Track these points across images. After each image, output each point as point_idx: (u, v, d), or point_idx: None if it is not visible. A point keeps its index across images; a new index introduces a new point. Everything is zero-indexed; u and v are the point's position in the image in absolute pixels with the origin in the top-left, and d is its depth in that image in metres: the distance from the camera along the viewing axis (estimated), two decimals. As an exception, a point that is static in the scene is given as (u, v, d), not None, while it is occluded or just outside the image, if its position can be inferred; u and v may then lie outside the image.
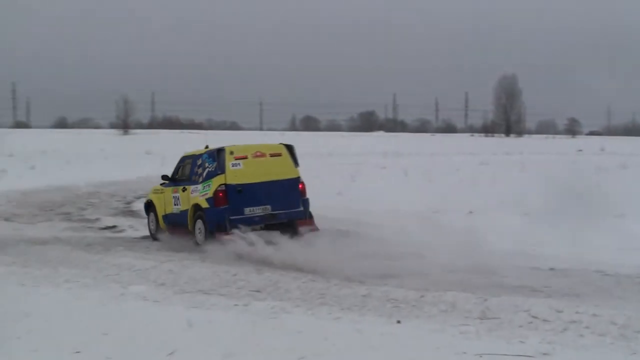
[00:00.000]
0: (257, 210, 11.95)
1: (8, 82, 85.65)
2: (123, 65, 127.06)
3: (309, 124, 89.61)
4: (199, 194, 12.33)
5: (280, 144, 12.80)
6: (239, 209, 11.81)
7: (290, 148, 12.60)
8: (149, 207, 14.34)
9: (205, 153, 12.64)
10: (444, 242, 10.87)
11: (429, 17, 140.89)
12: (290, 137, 59.53)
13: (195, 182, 12.58)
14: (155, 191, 14.19)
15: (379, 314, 7.44)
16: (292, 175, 12.32)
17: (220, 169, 11.97)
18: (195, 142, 39.11)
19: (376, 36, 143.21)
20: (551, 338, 6.37)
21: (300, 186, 12.37)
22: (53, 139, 49.77)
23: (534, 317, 7.04)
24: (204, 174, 12.36)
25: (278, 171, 12.19)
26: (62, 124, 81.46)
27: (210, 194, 11.99)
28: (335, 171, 22.76)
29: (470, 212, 14.77)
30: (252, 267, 10.15)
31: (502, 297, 7.76)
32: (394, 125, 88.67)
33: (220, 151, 12.17)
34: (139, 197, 20.44)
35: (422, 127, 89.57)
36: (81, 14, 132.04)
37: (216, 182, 11.97)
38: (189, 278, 9.51)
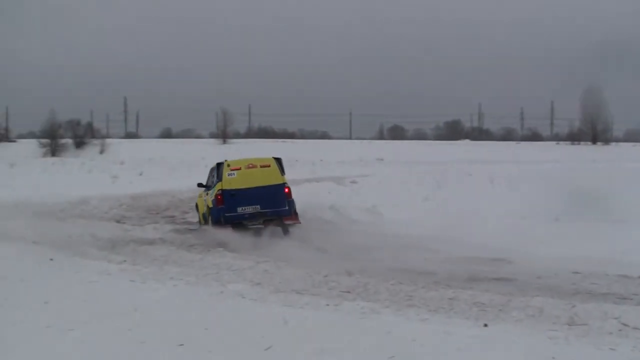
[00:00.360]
0: (248, 209, 14.44)
1: (121, 96, 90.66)
2: (223, 79, 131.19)
3: (396, 133, 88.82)
4: (210, 197, 15.19)
5: (272, 157, 15.15)
6: (233, 208, 14.41)
7: (278, 160, 15.03)
8: (196, 208, 17.34)
9: (216, 165, 15.27)
10: (531, 248, 10.87)
11: (513, 28, 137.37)
12: (378, 146, 59.65)
13: (211, 188, 15.38)
14: (199, 196, 16.97)
15: (466, 316, 7.46)
16: (278, 182, 14.70)
17: (219, 178, 14.72)
18: (286, 150, 39.74)
19: (462, 47, 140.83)
20: (643, 346, 6.18)
21: (285, 190, 14.68)
22: (159, 148, 51.53)
23: (624, 324, 6.94)
24: (214, 181, 15.17)
25: (266, 179, 14.67)
26: (167, 134, 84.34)
27: (213, 196, 14.83)
28: (421, 178, 22.68)
29: (557, 219, 14.58)
30: (342, 269, 10.35)
31: (591, 304, 7.69)
32: (479, 134, 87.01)
33: (220, 164, 14.96)
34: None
35: (507, 136, 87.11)
36: (186, 36, 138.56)
37: (217, 187, 14.71)
38: (283, 279, 9.81)
